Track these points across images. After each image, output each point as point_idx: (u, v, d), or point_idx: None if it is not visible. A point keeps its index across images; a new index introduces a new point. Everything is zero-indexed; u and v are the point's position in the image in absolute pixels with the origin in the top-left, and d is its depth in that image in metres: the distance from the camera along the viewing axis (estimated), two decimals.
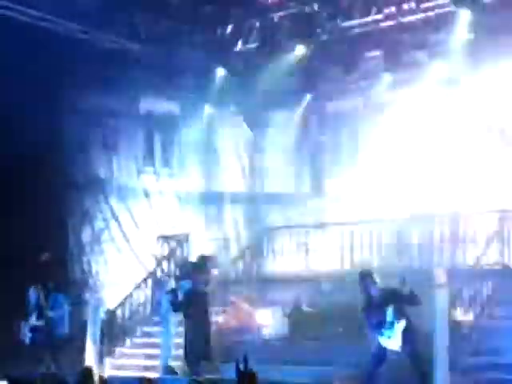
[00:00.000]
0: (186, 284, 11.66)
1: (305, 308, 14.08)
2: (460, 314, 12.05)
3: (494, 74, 15.45)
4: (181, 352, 13.80)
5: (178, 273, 15.88)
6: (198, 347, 11.17)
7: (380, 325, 10.25)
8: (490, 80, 15.49)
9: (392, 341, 10.30)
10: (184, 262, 15.99)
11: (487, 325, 11.51)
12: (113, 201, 16.82)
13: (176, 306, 11.90)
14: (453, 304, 11.69)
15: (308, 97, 18.44)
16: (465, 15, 15.34)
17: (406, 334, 10.29)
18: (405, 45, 16.44)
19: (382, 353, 10.44)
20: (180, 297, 11.94)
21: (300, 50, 16.78)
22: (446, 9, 15.78)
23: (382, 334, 10.32)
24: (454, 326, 11.41)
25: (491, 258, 13.04)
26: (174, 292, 12.02)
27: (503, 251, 13.12)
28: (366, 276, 10.62)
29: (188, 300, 11.65)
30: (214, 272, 16.06)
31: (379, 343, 10.42)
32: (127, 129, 17.16)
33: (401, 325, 10.25)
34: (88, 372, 7.66)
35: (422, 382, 10.19)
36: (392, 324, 10.23)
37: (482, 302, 11.98)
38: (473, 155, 15.64)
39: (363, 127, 17.72)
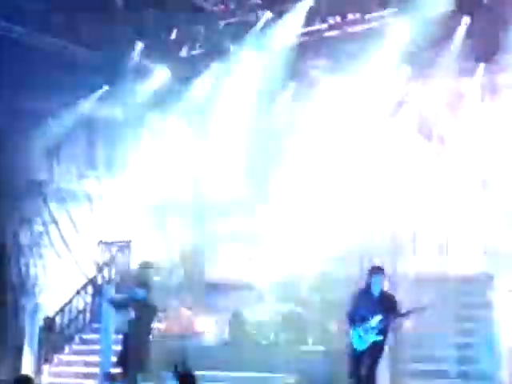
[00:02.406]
0: (140, 292, 11.46)
1: (246, 315, 14.06)
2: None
3: (432, 85, 15.65)
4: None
5: (119, 280, 15.73)
6: (136, 357, 10.99)
7: (362, 321, 10.05)
8: (430, 90, 15.69)
9: (360, 342, 10.09)
10: (126, 268, 15.83)
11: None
12: (53, 205, 16.55)
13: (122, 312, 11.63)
14: None
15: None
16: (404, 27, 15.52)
17: (375, 348, 10.11)
18: (348, 54, 16.55)
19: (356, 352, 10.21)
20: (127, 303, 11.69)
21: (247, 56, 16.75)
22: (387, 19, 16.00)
23: (355, 328, 10.11)
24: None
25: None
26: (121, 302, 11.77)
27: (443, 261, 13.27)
28: (379, 271, 10.34)
29: (136, 309, 11.42)
30: (156, 278, 15.97)
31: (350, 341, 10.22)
32: (69, 132, 16.92)
33: (377, 338, 10.07)
34: (26, 380, 7.33)
35: None
36: (373, 329, 10.04)
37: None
38: (412, 164, 15.79)
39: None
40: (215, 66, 16.93)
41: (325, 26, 16.70)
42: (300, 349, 12.85)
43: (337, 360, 11.52)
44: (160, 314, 13.02)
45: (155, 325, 13.11)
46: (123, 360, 11.19)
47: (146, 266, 16.29)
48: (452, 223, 14.00)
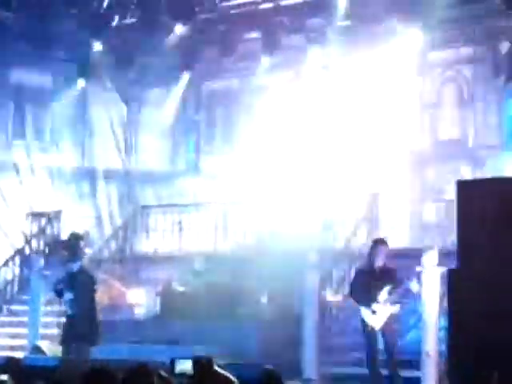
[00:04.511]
0: (74, 265, 11.26)
1: (177, 287, 14.06)
2: (329, 295, 12.36)
3: (366, 61, 15.83)
4: (49, 331, 13.62)
5: (47, 250, 15.55)
6: (82, 329, 10.86)
7: (370, 298, 9.78)
8: (363, 66, 15.86)
9: (375, 317, 9.79)
10: (54, 239, 15.64)
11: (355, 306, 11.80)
12: None
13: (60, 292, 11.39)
14: (323, 285, 11.97)
15: (186, 75, 18.31)
16: (341, 2, 15.68)
17: (392, 319, 9.82)
18: (283, 28, 16.62)
19: (371, 330, 9.88)
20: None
21: (179, 28, 16.66)
22: None
23: (367, 306, 9.82)
24: (324, 307, 11.70)
25: (360, 240, 13.39)
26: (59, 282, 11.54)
27: (371, 233, 13.48)
28: (381, 243, 10.11)
29: (73, 281, 11.23)
30: (87, 250, 15.81)
31: (362, 319, 9.93)
32: None
33: (393, 308, 9.80)
34: None
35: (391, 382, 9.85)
36: (385, 302, 9.75)
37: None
38: (344, 139, 15.98)
39: (239, 108, 17.80)
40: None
41: None
42: (231, 321, 12.93)
43: (268, 333, 11.66)
44: None
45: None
46: (71, 336, 10.97)
47: (76, 237, 16.11)
48: (382, 198, 14.24)
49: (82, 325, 10.68)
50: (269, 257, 12.73)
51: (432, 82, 15.68)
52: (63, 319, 11.16)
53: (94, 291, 11.00)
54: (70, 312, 10.85)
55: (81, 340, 10.69)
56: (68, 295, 10.77)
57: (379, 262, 9.95)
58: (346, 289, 11.26)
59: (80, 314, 10.76)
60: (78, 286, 10.84)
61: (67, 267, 11.14)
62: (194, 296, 13.72)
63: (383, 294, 9.78)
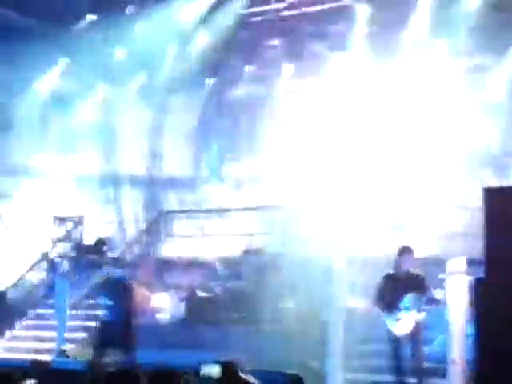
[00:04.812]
0: (114, 270, 11.44)
1: (200, 293, 14.15)
2: (354, 302, 12.36)
3: (390, 67, 15.86)
4: (75, 335, 13.76)
5: (73, 254, 15.68)
6: (119, 334, 10.99)
7: (394, 305, 9.80)
8: (387, 73, 15.88)
9: (399, 325, 9.81)
10: (80, 243, 15.78)
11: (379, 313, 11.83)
12: (6, 179, 16.40)
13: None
14: (348, 292, 11.98)
15: (209, 82, 18.43)
16: (363, 9, 15.75)
17: (417, 327, 9.79)
18: (306, 35, 16.69)
19: (395, 338, 9.88)
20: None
21: (202, 35, 16.79)
22: (346, 2, 16.19)
23: (391, 314, 9.84)
24: (349, 314, 11.71)
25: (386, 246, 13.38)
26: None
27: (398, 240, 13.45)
28: (407, 250, 10.10)
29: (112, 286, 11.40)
30: (109, 254, 15.96)
31: (387, 327, 9.93)
32: (21, 107, 16.73)
33: (418, 316, 9.80)
34: None
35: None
36: (407, 309, 9.76)
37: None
38: (366, 145, 15.99)
39: (262, 115, 17.87)
40: None
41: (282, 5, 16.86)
42: (255, 327, 12.99)
43: (292, 339, 11.69)
44: None
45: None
46: (107, 340, 11.09)
47: (100, 242, 16.29)
48: (408, 206, 14.24)
49: (118, 330, 10.81)
50: (294, 263, 12.76)
51: (457, 87, 15.65)
52: (94, 323, 11.27)
53: (131, 297, 11.14)
54: (107, 317, 10.99)
55: (117, 345, 10.84)
56: (106, 300, 10.90)
57: (405, 269, 9.97)
58: (371, 296, 11.27)
59: (117, 319, 10.90)
60: (116, 292, 11.00)
61: (105, 272, 11.29)
62: (218, 301, 13.81)
63: (407, 301, 9.79)
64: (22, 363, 9.86)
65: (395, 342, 9.88)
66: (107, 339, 10.86)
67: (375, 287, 10.41)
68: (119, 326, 10.82)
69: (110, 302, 10.90)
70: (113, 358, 10.67)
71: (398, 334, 9.84)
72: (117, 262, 11.99)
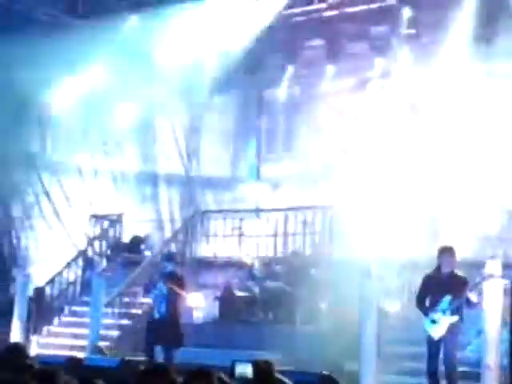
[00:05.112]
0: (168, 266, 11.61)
1: (236, 292, 14.14)
2: (388, 304, 12.25)
3: (432, 70, 15.68)
4: (110, 333, 13.83)
5: (109, 252, 15.77)
6: (170, 331, 11.13)
7: (433, 306, 9.70)
8: (429, 75, 15.70)
9: (434, 327, 9.67)
10: (117, 241, 15.86)
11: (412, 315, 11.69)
12: (45, 177, 16.56)
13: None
14: (382, 294, 11.86)
15: (248, 82, 18.40)
16: (406, 10, 15.61)
17: (453, 331, 9.65)
18: (347, 35, 16.59)
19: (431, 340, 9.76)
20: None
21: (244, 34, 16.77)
22: (388, 3, 16.06)
23: (427, 315, 9.73)
24: (382, 316, 11.59)
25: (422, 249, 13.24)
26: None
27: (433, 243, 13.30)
28: (447, 251, 9.95)
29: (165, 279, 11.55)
30: (147, 253, 16.02)
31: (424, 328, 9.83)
32: (61, 106, 16.83)
33: (453, 318, 9.63)
34: (17, 348, 7.26)
35: None
36: (444, 312, 9.63)
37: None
38: (404, 151, 15.84)
39: (301, 116, 17.81)
40: None
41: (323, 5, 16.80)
42: (289, 327, 12.94)
43: (326, 340, 11.60)
44: None
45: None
46: (158, 337, 11.24)
47: (137, 240, 16.36)
48: (445, 208, 14.07)
49: (169, 327, 10.96)
50: (331, 263, 12.68)
51: (498, 91, 15.39)
52: (127, 321, 11.35)
53: (184, 286, 11.39)
54: (157, 315, 11.24)
55: (168, 342, 10.94)
56: (163, 289, 11.00)
57: (446, 270, 9.82)
58: (405, 298, 11.19)
59: (169, 316, 11.05)
60: (168, 289, 11.13)
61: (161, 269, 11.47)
62: (255, 301, 13.79)
63: (443, 303, 9.64)
64: (58, 360, 9.95)
65: (431, 343, 9.74)
66: (159, 336, 11.05)
67: (410, 289, 10.27)
68: (170, 323, 11.07)
69: (165, 291, 11.08)
70: (168, 356, 10.81)
71: (433, 336, 9.70)
72: (170, 257, 12.08)
